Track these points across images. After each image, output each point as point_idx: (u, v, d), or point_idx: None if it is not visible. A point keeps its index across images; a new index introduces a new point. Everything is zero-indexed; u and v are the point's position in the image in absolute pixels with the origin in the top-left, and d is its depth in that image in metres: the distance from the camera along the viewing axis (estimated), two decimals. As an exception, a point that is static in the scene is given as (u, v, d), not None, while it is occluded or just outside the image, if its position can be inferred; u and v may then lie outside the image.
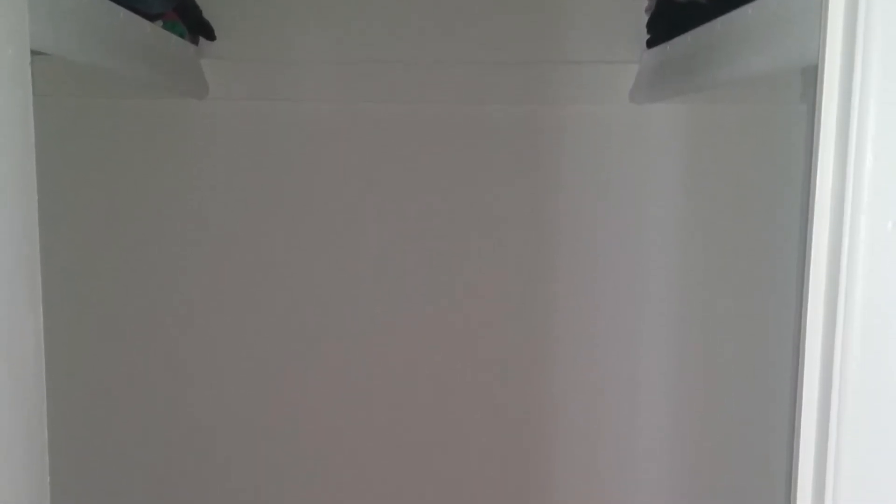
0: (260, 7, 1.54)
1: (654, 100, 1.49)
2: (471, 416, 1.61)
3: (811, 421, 0.67)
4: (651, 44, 1.46)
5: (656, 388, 1.59)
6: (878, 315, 0.63)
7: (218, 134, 1.56)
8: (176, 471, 1.61)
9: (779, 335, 1.54)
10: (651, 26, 1.46)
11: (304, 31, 1.54)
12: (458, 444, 1.62)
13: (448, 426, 1.62)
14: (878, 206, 0.62)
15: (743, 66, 1.06)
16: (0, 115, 0.65)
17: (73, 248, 1.55)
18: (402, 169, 1.57)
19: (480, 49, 1.54)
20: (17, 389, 0.68)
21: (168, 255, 1.57)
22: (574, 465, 1.62)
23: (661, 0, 1.41)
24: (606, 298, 1.58)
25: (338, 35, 1.54)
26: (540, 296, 1.58)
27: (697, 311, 1.57)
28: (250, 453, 1.61)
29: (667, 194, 1.56)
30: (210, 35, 1.49)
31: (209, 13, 1.48)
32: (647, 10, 1.48)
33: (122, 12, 1.09)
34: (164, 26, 1.33)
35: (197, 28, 1.46)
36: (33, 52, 0.71)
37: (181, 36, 1.40)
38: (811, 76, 0.78)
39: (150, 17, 1.23)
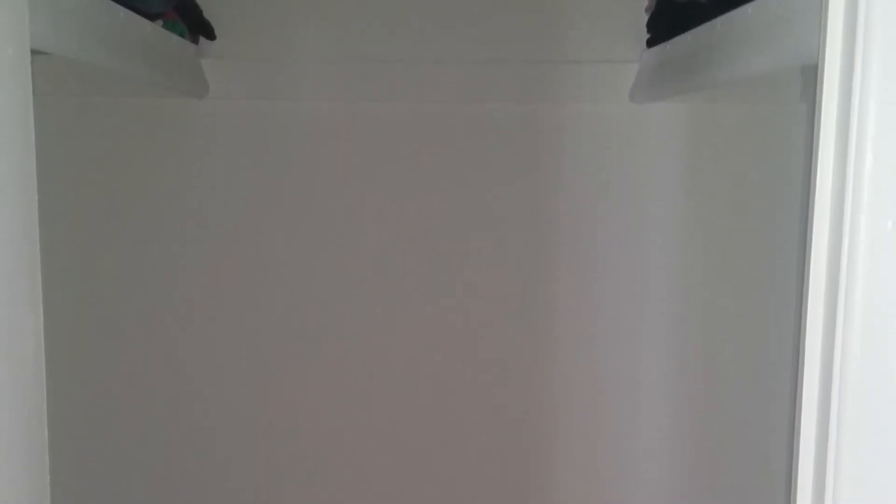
0: (260, 6, 1.54)
1: (655, 99, 1.49)
2: (471, 416, 1.61)
3: (811, 421, 0.67)
4: (651, 43, 1.46)
5: (656, 388, 1.59)
6: (878, 315, 0.63)
7: (218, 133, 1.56)
8: (176, 471, 1.61)
9: (779, 335, 1.54)
10: (651, 26, 1.46)
11: (304, 30, 1.54)
12: (458, 444, 1.62)
13: (448, 426, 1.62)
14: (878, 205, 0.62)
15: (743, 65, 1.06)
16: (0, 114, 0.65)
17: (74, 248, 1.55)
18: (402, 168, 1.57)
19: (480, 48, 1.54)
20: (17, 389, 0.68)
21: (168, 255, 1.57)
22: (574, 465, 1.62)
23: None
24: (606, 298, 1.58)
25: (338, 34, 1.54)
26: (540, 296, 1.58)
27: (697, 311, 1.57)
28: (250, 453, 1.61)
29: (667, 194, 1.56)
30: (210, 34, 1.49)
31: (209, 13, 1.48)
32: (647, 10, 1.48)
33: (123, 12, 1.09)
34: (165, 26, 1.33)
35: (197, 27, 1.46)
36: (33, 52, 0.71)
37: (181, 35, 1.40)
38: (811, 75, 0.78)
39: (151, 17, 1.23)
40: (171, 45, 1.33)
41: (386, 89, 1.53)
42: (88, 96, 1.53)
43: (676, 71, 1.32)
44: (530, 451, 1.62)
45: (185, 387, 1.60)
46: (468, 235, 1.58)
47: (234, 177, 1.56)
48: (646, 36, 1.48)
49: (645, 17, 1.49)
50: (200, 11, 1.47)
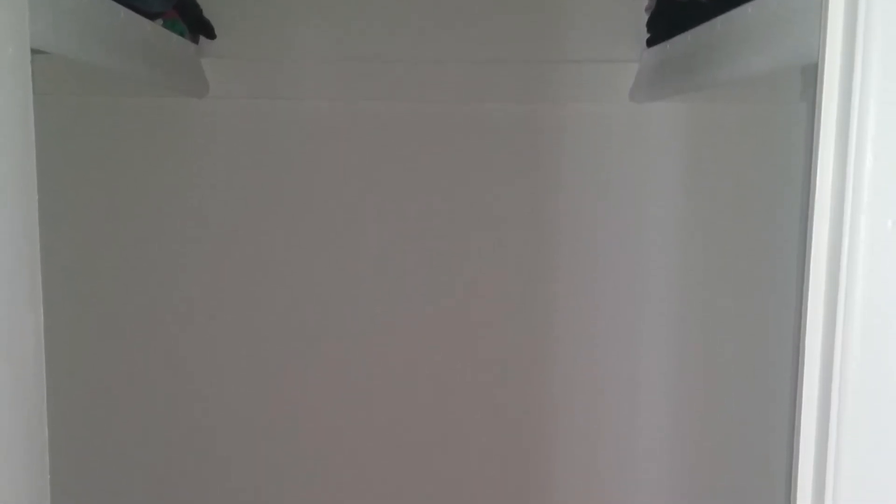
0: (260, 6, 1.54)
1: (655, 99, 1.49)
2: (471, 416, 1.61)
3: (811, 420, 0.67)
4: (651, 43, 1.46)
5: (656, 388, 1.59)
6: (878, 315, 0.63)
7: (218, 132, 1.56)
8: (176, 471, 1.61)
9: (779, 335, 1.54)
10: (651, 25, 1.46)
11: (304, 29, 1.54)
12: (458, 444, 1.62)
13: (448, 426, 1.62)
14: (878, 204, 0.62)
15: (743, 65, 1.06)
16: (0, 113, 0.65)
17: (74, 247, 1.55)
18: (402, 168, 1.57)
19: (480, 48, 1.54)
20: (17, 389, 0.68)
21: (168, 254, 1.57)
22: (574, 465, 1.62)
23: (662, -1, 1.42)
24: (606, 298, 1.58)
25: (338, 34, 1.54)
26: (540, 296, 1.58)
27: (697, 311, 1.57)
28: (250, 453, 1.61)
29: (667, 194, 1.56)
30: (210, 34, 1.49)
31: (209, 12, 1.48)
32: (647, 9, 1.48)
33: (123, 11, 1.09)
34: (165, 25, 1.33)
35: (197, 27, 1.46)
36: (34, 51, 0.71)
37: (181, 35, 1.40)
38: (811, 75, 0.78)
39: (151, 16, 1.23)
40: (171, 45, 1.33)
41: (386, 89, 1.53)
42: (88, 95, 1.53)
43: (676, 70, 1.32)
44: (530, 451, 1.62)
45: (185, 387, 1.60)
46: (468, 235, 1.58)
47: (234, 176, 1.56)
48: (646, 35, 1.48)
49: (645, 17, 1.49)
50: (200, 11, 1.47)
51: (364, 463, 1.62)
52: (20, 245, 0.68)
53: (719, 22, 1.12)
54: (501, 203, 1.57)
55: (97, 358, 1.58)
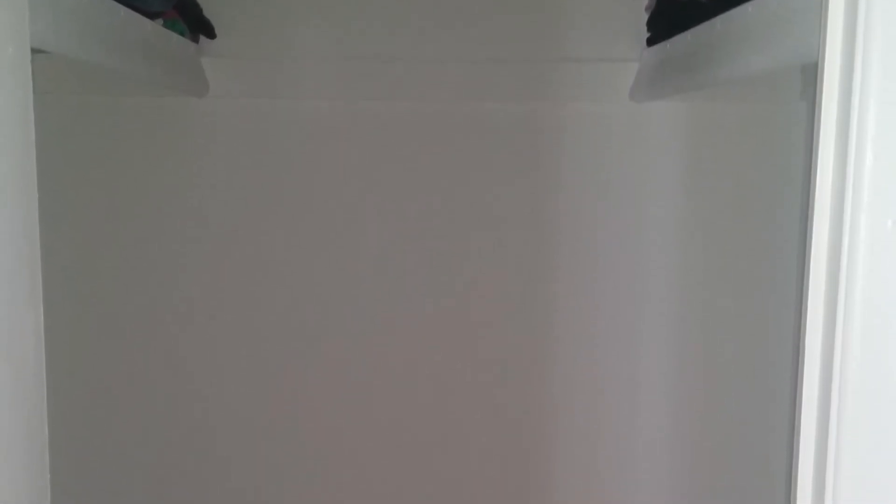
0: (260, 5, 1.54)
1: (655, 98, 1.49)
2: (471, 416, 1.61)
3: (811, 420, 0.67)
4: (651, 42, 1.46)
5: (656, 388, 1.59)
6: (878, 315, 0.63)
7: (218, 132, 1.56)
8: (176, 471, 1.61)
9: (779, 335, 1.54)
10: (651, 24, 1.46)
11: (304, 29, 1.54)
12: (458, 444, 1.62)
13: (448, 426, 1.62)
14: (879, 204, 0.62)
15: (743, 64, 1.06)
16: (0, 113, 0.65)
17: (74, 247, 1.55)
18: (402, 167, 1.57)
19: (480, 47, 1.54)
20: (17, 389, 0.68)
21: (168, 254, 1.57)
22: (574, 465, 1.62)
23: (662, -1, 1.42)
24: (606, 298, 1.58)
25: (338, 33, 1.54)
26: (540, 296, 1.58)
27: (697, 311, 1.57)
28: (250, 453, 1.61)
29: (667, 194, 1.56)
30: (210, 33, 1.49)
31: (209, 11, 1.48)
32: (647, 9, 1.48)
33: (123, 10, 1.09)
34: (165, 24, 1.33)
35: (197, 26, 1.46)
36: (34, 50, 0.71)
37: (181, 34, 1.40)
38: (811, 74, 0.78)
39: (151, 16, 1.23)
40: (171, 44, 1.33)
41: (386, 88, 1.53)
42: (89, 95, 1.53)
43: (676, 70, 1.32)
44: (530, 451, 1.62)
45: (185, 387, 1.60)
46: (468, 235, 1.58)
47: (234, 176, 1.56)
48: (646, 35, 1.48)
49: (645, 16, 1.49)
50: (200, 10, 1.47)
51: (364, 463, 1.62)
52: (20, 245, 0.68)
53: (719, 21, 1.12)
54: (501, 203, 1.57)
55: (97, 358, 1.58)
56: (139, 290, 1.58)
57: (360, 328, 1.59)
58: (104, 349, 1.58)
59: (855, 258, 0.62)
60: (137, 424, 1.60)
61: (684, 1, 1.31)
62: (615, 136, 1.55)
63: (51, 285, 0.72)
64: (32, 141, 0.69)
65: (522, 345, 1.59)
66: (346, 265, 1.58)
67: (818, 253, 0.65)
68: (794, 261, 1.52)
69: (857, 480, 0.64)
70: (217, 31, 1.49)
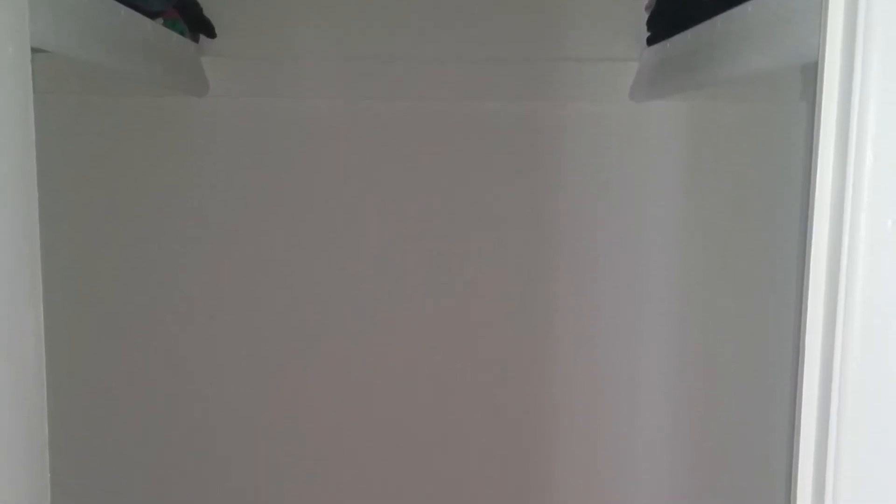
0: (260, 5, 1.54)
1: (655, 97, 1.49)
2: (471, 416, 1.61)
3: (811, 420, 0.67)
4: (651, 41, 1.46)
5: (656, 388, 1.59)
6: (878, 315, 0.63)
7: (218, 131, 1.56)
8: (176, 471, 1.61)
9: (779, 335, 1.54)
10: (651, 24, 1.46)
11: (304, 28, 1.54)
12: (458, 444, 1.62)
13: (448, 426, 1.62)
14: (879, 204, 0.62)
15: (743, 63, 1.06)
16: (0, 113, 0.65)
17: (74, 247, 1.55)
18: (402, 167, 1.57)
19: (481, 47, 1.54)
20: (17, 389, 0.67)
21: (168, 254, 1.57)
22: (574, 465, 1.62)
23: (662, -1, 1.41)
24: (606, 298, 1.58)
25: (338, 32, 1.54)
26: (540, 296, 1.58)
27: (697, 311, 1.57)
28: (250, 453, 1.61)
29: (667, 194, 1.56)
30: (210, 33, 1.49)
31: (209, 11, 1.48)
32: (647, 8, 1.48)
33: (123, 10, 1.09)
34: (165, 24, 1.33)
35: (197, 26, 1.46)
36: (34, 50, 0.71)
37: (181, 33, 1.40)
38: (811, 74, 0.78)
39: (151, 15, 1.23)
40: (171, 44, 1.33)
41: (386, 88, 1.53)
42: (89, 94, 1.53)
43: (676, 69, 1.32)
44: (530, 451, 1.62)
45: (185, 387, 1.60)
46: (468, 235, 1.58)
47: (234, 175, 1.56)
48: (646, 34, 1.48)
49: (645, 16, 1.48)
50: (200, 9, 1.47)
51: (364, 463, 1.62)
52: (20, 245, 0.68)
53: (719, 20, 1.12)
54: (501, 203, 1.57)
55: (97, 358, 1.58)
56: (139, 290, 1.58)
57: (360, 328, 1.59)
58: (104, 349, 1.58)
59: (855, 258, 0.62)
60: (137, 424, 1.60)
61: (684, 0, 1.31)
62: (615, 136, 1.55)
63: (51, 285, 0.72)
64: (32, 141, 0.69)
65: (522, 345, 1.59)
66: (346, 265, 1.58)
67: (818, 253, 0.65)
68: (794, 261, 1.52)
69: (857, 480, 0.64)
70: (217, 30, 1.49)
